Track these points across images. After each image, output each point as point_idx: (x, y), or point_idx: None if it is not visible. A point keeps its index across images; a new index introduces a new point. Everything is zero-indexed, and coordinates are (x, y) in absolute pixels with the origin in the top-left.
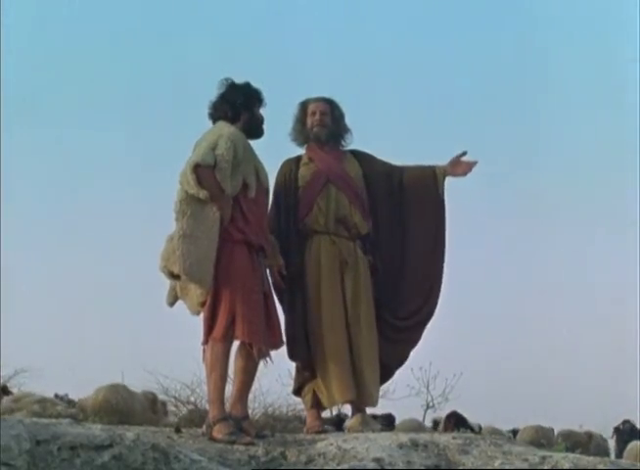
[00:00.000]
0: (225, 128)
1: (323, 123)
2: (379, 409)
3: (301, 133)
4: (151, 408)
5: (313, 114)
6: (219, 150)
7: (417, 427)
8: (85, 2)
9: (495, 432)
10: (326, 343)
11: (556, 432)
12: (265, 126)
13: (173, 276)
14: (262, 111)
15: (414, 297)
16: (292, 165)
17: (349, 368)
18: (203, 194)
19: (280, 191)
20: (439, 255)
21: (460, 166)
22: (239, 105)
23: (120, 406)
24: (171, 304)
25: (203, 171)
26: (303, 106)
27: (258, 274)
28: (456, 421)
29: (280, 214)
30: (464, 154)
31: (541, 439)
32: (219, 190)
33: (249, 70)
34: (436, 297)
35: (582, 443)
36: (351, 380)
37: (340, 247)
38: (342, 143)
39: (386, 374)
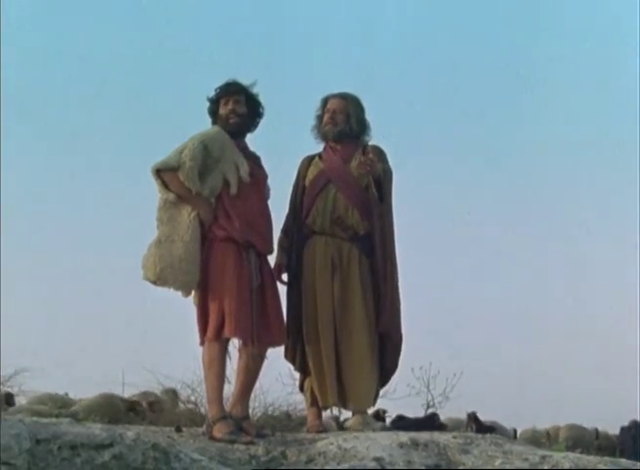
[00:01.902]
0: (205, 130)
1: (334, 122)
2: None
3: (318, 130)
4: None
5: (328, 111)
6: (184, 152)
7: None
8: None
9: (535, 436)
10: (314, 345)
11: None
12: (235, 118)
13: (153, 282)
14: (237, 100)
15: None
16: (305, 164)
17: (334, 372)
18: (171, 197)
19: (292, 190)
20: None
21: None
22: (209, 112)
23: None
24: None
25: (165, 175)
26: (324, 102)
27: (247, 271)
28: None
29: (290, 214)
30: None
31: (577, 438)
32: (185, 190)
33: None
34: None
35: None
36: (335, 384)
37: (331, 248)
38: (362, 140)
39: (386, 377)
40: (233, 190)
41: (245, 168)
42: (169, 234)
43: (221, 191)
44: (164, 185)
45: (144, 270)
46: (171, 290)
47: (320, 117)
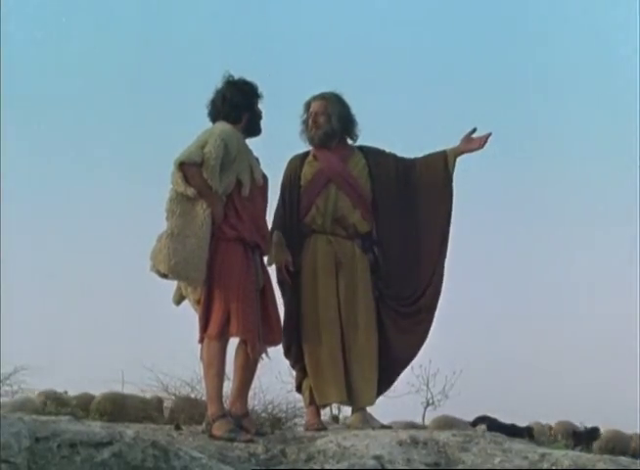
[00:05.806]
0: (219, 126)
1: (317, 125)
2: None
3: (305, 135)
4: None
5: (311, 115)
6: (207, 148)
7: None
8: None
9: (618, 435)
10: (319, 343)
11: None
12: (262, 123)
13: (163, 275)
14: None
15: (418, 281)
16: (297, 163)
17: (342, 369)
18: (190, 191)
19: (285, 189)
20: (443, 238)
21: (473, 142)
22: (241, 105)
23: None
24: (177, 302)
25: (188, 169)
26: (307, 106)
27: (253, 271)
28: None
29: (285, 213)
30: (474, 130)
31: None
32: (207, 187)
33: (250, 63)
34: (440, 279)
35: None
36: (343, 381)
37: (335, 247)
38: (351, 138)
39: (395, 370)
40: (245, 191)
41: (259, 171)
42: (182, 228)
43: (232, 191)
44: (185, 179)
45: (154, 262)
46: (180, 284)
47: (306, 122)
